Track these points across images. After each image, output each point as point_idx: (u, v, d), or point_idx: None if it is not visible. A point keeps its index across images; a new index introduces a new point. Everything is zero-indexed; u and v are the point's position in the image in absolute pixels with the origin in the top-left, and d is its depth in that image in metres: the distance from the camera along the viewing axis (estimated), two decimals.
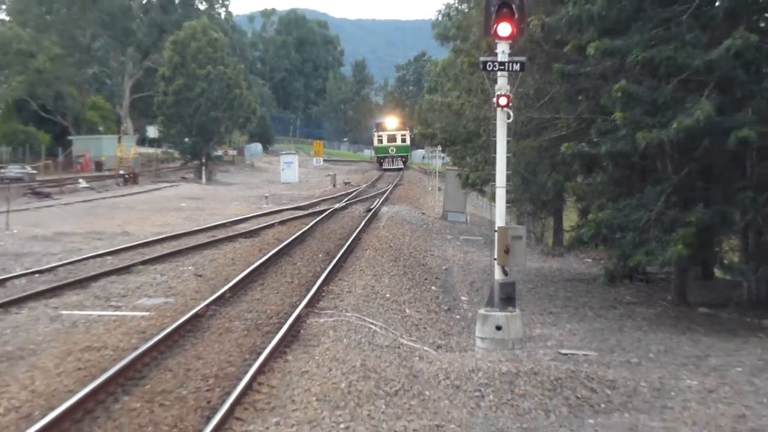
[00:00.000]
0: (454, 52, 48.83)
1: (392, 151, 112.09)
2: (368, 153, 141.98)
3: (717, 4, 20.61)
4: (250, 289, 23.29)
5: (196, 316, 18.84)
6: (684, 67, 19.56)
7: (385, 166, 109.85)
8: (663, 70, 20.06)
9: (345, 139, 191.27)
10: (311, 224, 39.12)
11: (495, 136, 18.23)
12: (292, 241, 32.73)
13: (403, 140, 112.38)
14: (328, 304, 21.07)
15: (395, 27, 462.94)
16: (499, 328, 17.60)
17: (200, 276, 25.28)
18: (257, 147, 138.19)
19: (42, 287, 23.08)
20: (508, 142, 18.16)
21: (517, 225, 24.05)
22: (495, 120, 18.30)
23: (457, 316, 22.82)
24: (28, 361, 15.39)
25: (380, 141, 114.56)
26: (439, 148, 58.24)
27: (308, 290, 22.21)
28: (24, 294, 21.92)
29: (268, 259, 27.56)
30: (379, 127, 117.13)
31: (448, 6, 61.28)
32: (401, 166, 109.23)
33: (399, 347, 17.80)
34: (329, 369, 14.84)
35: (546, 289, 27.14)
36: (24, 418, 12.11)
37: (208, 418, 11.98)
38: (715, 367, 17.09)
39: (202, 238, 35.04)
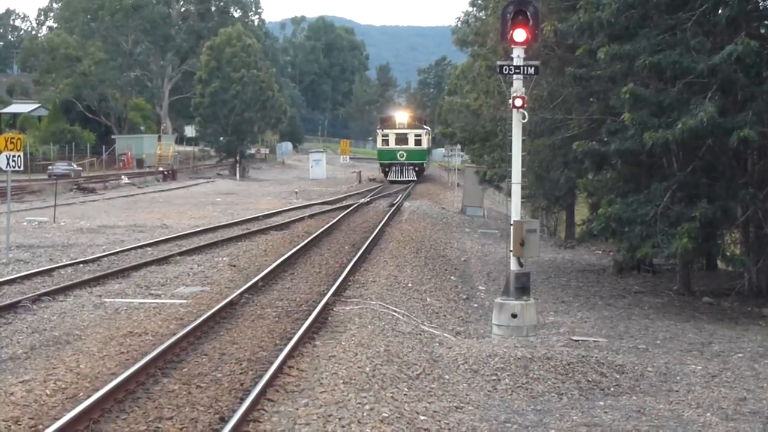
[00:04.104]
0: (472, 56, 48.65)
1: (401, 156, 74.98)
2: None
3: (719, 11, 20.50)
4: (281, 278, 23.31)
5: (230, 303, 18.86)
6: (688, 70, 19.50)
7: (391, 177, 74.74)
8: (669, 73, 20.01)
9: (370, 138, 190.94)
10: (338, 218, 39.11)
11: (511, 136, 18.15)
12: (321, 233, 32.73)
13: (418, 142, 76.17)
14: (354, 293, 21.06)
15: (417, 33, 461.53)
16: (514, 315, 17.54)
17: (234, 266, 25.31)
18: (288, 145, 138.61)
19: (87, 276, 23.16)
20: (523, 141, 18.08)
21: (532, 219, 23.93)
22: (511, 120, 18.22)
23: (475, 305, 22.79)
24: (73, 346, 15.45)
25: (385, 142, 76.50)
26: (458, 146, 58.16)
27: (335, 280, 22.20)
28: (70, 282, 21.98)
29: (298, 251, 27.56)
30: (385, 124, 79.39)
31: (467, 13, 60.73)
32: (413, 177, 74.48)
33: (420, 334, 17.80)
34: (355, 354, 14.85)
35: (559, 280, 27.07)
36: (70, 398, 12.17)
37: (242, 399, 11.99)
38: (718, 353, 17.02)
39: (236, 231, 35.08)
